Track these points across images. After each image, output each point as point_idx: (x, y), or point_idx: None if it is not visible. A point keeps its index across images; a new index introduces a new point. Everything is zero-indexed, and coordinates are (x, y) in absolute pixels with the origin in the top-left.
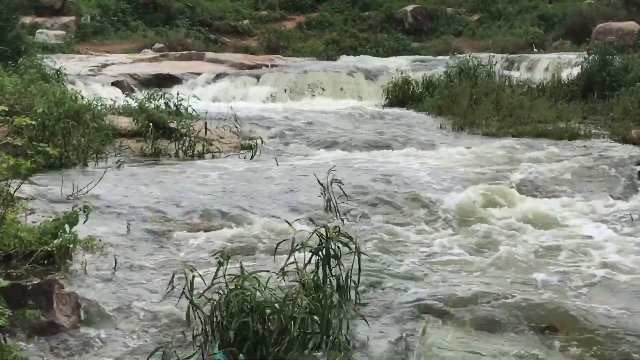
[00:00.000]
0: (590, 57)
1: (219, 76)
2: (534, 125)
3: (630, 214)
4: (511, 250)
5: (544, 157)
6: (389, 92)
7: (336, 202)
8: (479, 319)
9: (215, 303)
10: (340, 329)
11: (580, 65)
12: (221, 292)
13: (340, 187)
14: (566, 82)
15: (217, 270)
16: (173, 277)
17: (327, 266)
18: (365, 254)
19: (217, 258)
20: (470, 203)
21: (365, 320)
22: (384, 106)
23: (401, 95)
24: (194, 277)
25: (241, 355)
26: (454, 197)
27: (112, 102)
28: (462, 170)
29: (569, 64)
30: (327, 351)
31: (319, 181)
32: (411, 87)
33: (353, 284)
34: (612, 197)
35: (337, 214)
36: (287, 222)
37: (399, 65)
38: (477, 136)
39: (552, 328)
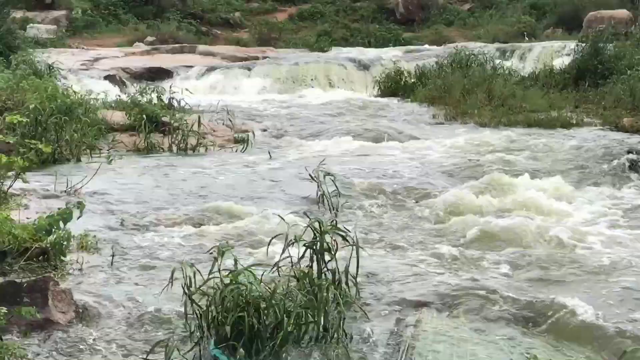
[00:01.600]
0: (582, 46)
1: (211, 69)
2: (526, 115)
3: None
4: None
5: (536, 145)
6: (381, 83)
7: (330, 196)
8: (475, 312)
9: (210, 298)
10: (339, 322)
11: (572, 54)
12: (217, 287)
13: (332, 180)
14: (558, 71)
15: (213, 265)
16: (173, 273)
17: (322, 260)
18: (363, 248)
19: (212, 253)
20: (464, 193)
21: (365, 314)
22: (377, 97)
23: (393, 86)
24: (194, 272)
25: (241, 350)
26: (448, 188)
27: (105, 96)
28: (455, 161)
29: (560, 52)
30: (324, 345)
31: (311, 176)
32: (403, 77)
33: (351, 278)
34: (603, 185)
35: (331, 208)
36: (279, 216)
37: (391, 55)
38: (470, 126)
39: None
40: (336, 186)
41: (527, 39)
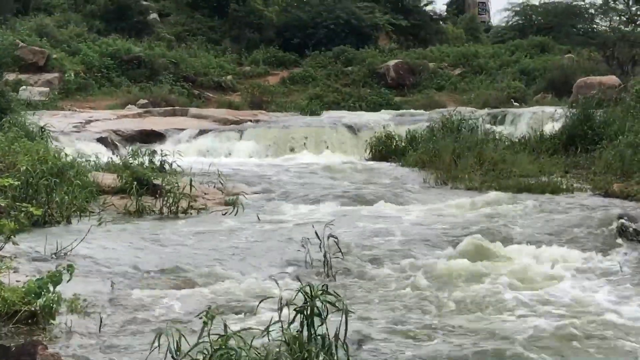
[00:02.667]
0: (572, 111)
1: (202, 132)
2: (516, 180)
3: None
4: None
5: (527, 211)
6: (372, 146)
7: (329, 259)
8: None
9: None
10: None
11: (563, 119)
12: (206, 351)
13: (336, 243)
14: (548, 136)
15: (202, 329)
16: (158, 336)
17: (312, 325)
18: (353, 312)
19: (201, 317)
20: (455, 259)
21: None
22: (368, 160)
23: (384, 150)
24: (180, 336)
25: None
26: (439, 253)
27: (96, 158)
28: (446, 226)
29: (551, 117)
30: None
31: (318, 236)
32: (394, 141)
33: (341, 343)
34: (592, 251)
35: (329, 271)
36: (274, 279)
37: (382, 119)
38: (460, 190)
39: None
40: (339, 248)
41: (515, 104)
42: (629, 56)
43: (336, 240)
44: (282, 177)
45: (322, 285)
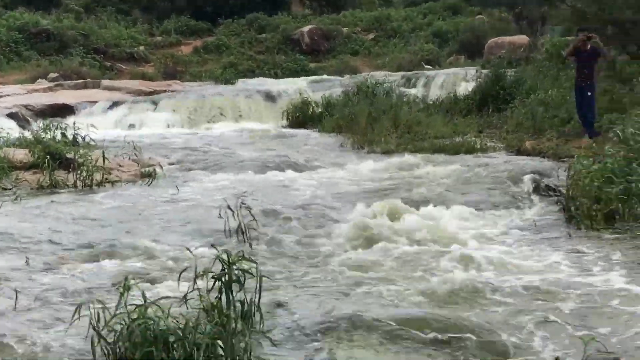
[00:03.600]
0: (484, 72)
1: (116, 104)
2: (431, 141)
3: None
4: (407, 262)
5: (440, 171)
6: (289, 114)
7: (245, 227)
8: (385, 335)
9: (117, 333)
10: (246, 353)
11: (475, 80)
12: (124, 322)
13: (249, 211)
14: (462, 98)
15: (120, 300)
16: (78, 309)
17: (230, 291)
18: (268, 277)
19: (118, 288)
20: (369, 219)
21: (273, 343)
22: (285, 128)
23: (301, 117)
24: (100, 308)
25: None
26: (352, 214)
27: (7, 134)
28: (361, 189)
29: (464, 79)
30: None
31: (228, 206)
32: (311, 107)
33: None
34: (506, 208)
35: (246, 238)
36: (187, 249)
37: (298, 86)
38: (377, 154)
39: None
40: (253, 217)
41: (427, 66)
42: (538, 15)
43: (249, 208)
44: (199, 147)
45: (239, 252)
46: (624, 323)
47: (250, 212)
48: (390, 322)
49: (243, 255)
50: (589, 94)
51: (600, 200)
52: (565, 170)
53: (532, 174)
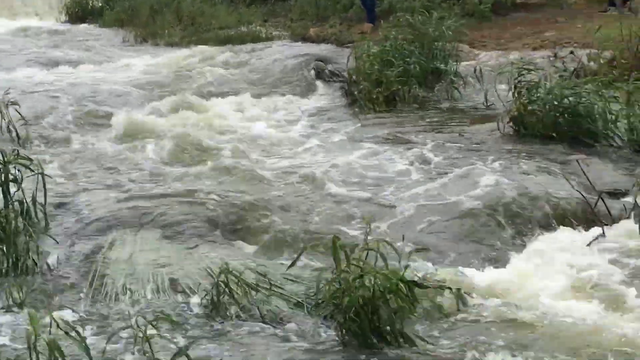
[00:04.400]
0: None
1: None
2: (216, 32)
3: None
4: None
5: (228, 62)
6: (68, 8)
7: (14, 127)
8: (171, 226)
9: None
10: (27, 252)
11: None
12: None
13: (17, 110)
14: None
15: None
16: None
17: (7, 191)
18: (50, 176)
19: None
20: (156, 114)
21: (56, 241)
22: (65, 23)
23: (81, 11)
24: None
25: None
26: (139, 110)
27: None
28: (144, 82)
29: None
30: (15, 277)
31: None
32: (91, 1)
33: (41, 207)
34: (291, 94)
35: (17, 139)
36: None
37: None
38: (161, 47)
39: None
40: (21, 115)
41: None
42: None
43: (18, 106)
44: None
45: (14, 151)
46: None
47: (18, 111)
48: (177, 217)
49: (18, 153)
50: None
51: (382, 84)
52: (348, 56)
53: (317, 61)
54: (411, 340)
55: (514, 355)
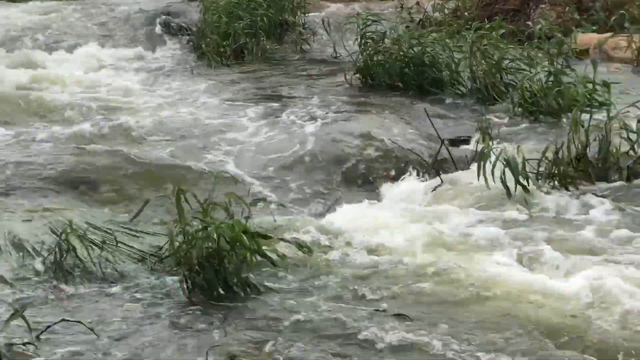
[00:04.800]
0: None
1: None
2: None
3: None
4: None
5: (71, 15)
6: None
7: None
8: (14, 189)
9: None
10: None
11: None
12: None
13: None
14: None
15: None
16: None
17: None
18: None
19: None
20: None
21: None
22: None
23: None
24: None
25: None
26: None
27: None
28: None
29: None
30: None
31: None
32: None
33: None
34: (139, 47)
35: None
36: None
37: None
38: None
39: None
40: None
41: None
42: None
43: None
44: None
45: None
46: None
47: None
48: (19, 178)
49: None
50: None
51: (230, 36)
52: (198, 10)
53: (165, 15)
54: (257, 289)
55: (355, 298)
